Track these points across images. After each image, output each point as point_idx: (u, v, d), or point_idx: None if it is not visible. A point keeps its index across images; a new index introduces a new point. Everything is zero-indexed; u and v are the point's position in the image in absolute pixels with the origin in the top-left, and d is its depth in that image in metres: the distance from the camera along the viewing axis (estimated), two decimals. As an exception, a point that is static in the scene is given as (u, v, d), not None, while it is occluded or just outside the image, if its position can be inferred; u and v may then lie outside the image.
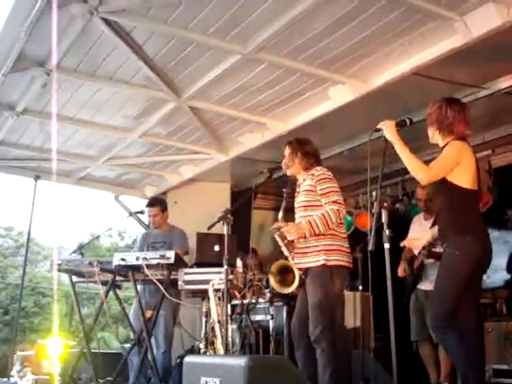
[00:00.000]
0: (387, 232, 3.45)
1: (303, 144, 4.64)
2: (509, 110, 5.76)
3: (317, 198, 4.40)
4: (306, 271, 4.36)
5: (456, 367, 3.73)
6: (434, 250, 5.15)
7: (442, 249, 3.83)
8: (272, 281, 4.49)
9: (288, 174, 4.66)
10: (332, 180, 4.43)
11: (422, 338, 5.84)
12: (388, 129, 3.78)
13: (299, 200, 4.53)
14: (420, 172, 3.73)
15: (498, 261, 7.22)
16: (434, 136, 3.92)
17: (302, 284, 4.36)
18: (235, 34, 4.86)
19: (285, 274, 4.47)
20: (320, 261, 4.29)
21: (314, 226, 4.23)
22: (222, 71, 5.42)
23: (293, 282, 4.36)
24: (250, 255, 6.98)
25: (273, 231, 4.49)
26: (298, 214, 4.51)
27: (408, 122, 3.83)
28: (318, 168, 4.49)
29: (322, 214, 4.26)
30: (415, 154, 3.82)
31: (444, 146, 3.84)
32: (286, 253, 4.43)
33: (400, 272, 6.06)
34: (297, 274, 4.32)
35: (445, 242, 3.79)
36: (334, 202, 4.31)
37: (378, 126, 3.84)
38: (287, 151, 4.65)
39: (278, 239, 4.46)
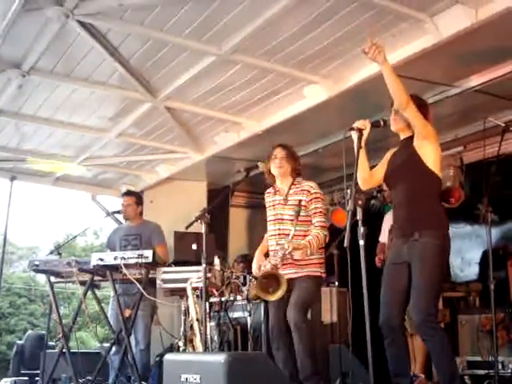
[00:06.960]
0: (362, 229, 3.50)
1: (294, 151, 4.83)
2: (479, 108, 5.86)
3: (308, 214, 4.59)
4: (293, 280, 4.49)
5: (438, 366, 3.70)
6: None
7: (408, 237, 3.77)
8: (259, 291, 4.41)
9: (279, 174, 4.71)
10: (323, 200, 4.75)
11: None
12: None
13: (290, 213, 4.58)
14: (404, 96, 3.69)
15: (471, 255, 7.35)
16: (403, 124, 3.91)
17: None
18: (210, 36, 4.92)
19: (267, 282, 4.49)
20: (317, 272, 4.57)
21: (311, 249, 4.43)
22: (197, 72, 5.47)
23: (275, 290, 4.38)
24: (240, 260, 6.98)
25: (287, 249, 4.41)
26: (290, 229, 4.50)
27: (382, 123, 3.88)
28: (312, 185, 4.69)
29: (317, 236, 4.48)
30: (384, 153, 3.97)
31: (407, 140, 3.90)
32: (278, 265, 4.41)
33: (377, 262, 6.14)
34: (283, 282, 4.32)
35: (415, 230, 3.71)
36: (322, 224, 4.57)
37: (354, 125, 3.83)
38: (281, 153, 4.71)
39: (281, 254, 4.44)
